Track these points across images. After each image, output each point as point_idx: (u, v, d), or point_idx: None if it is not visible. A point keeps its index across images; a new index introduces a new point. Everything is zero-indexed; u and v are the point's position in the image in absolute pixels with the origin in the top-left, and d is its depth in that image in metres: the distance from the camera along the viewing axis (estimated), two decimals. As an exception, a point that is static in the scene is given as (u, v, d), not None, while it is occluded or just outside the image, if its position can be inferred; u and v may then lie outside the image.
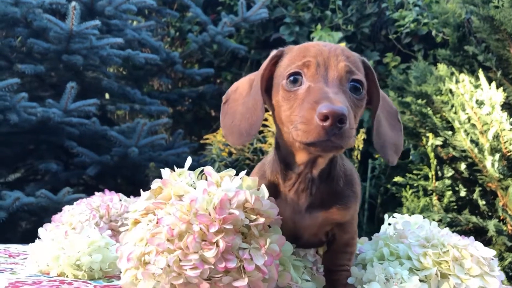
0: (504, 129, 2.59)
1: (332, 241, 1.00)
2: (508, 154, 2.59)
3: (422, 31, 3.67)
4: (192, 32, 4.18)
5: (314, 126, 0.74)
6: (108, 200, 1.39)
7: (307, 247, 1.04)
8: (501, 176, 2.56)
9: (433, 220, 2.70)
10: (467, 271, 0.87)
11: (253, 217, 0.80)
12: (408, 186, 2.91)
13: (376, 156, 3.36)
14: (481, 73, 2.72)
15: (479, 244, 0.91)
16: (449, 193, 2.78)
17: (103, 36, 3.15)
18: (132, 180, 3.47)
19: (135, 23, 3.87)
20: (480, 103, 2.65)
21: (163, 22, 4.26)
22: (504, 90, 2.79)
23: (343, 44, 3.18)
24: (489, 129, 2.60)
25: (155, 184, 0.86)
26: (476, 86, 2.74)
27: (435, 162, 2.82)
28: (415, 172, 2.97)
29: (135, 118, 3.86)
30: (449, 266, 0.87)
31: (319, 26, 3.65)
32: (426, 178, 2.92)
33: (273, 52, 0.91)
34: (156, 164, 3.14)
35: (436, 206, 2.75)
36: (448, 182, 2.79)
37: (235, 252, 0.78)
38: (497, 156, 2.53)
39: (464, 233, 2.76)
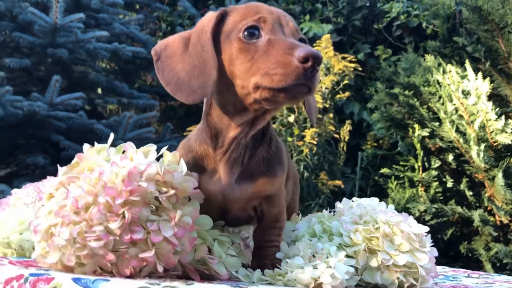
0: (490, 119, 2.56)
1: (262, 217, 0.99)
2: (495, 144, 2.56)
3: (413, 23, 3.64)
4: (183, 26, 4.17)
5: (293, 69, 0.78)
6: (58, 184, 1.37)
7: (236, 224, 1.02)
8: (488, 166, 2.53)
9: (419, 210, 2.66)
10: (397, 247, 0.85)
11: (165, 189, 0.79)
12: (393, 177, 2.88)
13: (364, 147, 3.33)
14: (467, 64, 2.69)
15: (412, 221, 0.89)
16: (435, 184, 2.75)
17: (89, 29, 3.15)
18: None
19: (126, 17, 3.87)
20: (466, 94, 2.62)
21: (154, 17, 4.25)
22: (492, 81, 2.76)
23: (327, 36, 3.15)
24: (475, 119, 2.57)
25: (74, 159, 0.85)
26: (463, 77, 2.71)
27: (421, 153, 2.79)
28: (402, 163, 2.94)
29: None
30: (379, 242, 0.85)
31: (307, 17, 3.62)
32: (412, 169, 2.89)
33: (216, 12, 0.92)
34: (144, 157, 3.12)
35: (422, 197, 2.72)
36: (434, 173, 2.76)
37: (143, 224, 0.77)
38: (483, 146, 2.49)
39: (451, 224, 2.72)
